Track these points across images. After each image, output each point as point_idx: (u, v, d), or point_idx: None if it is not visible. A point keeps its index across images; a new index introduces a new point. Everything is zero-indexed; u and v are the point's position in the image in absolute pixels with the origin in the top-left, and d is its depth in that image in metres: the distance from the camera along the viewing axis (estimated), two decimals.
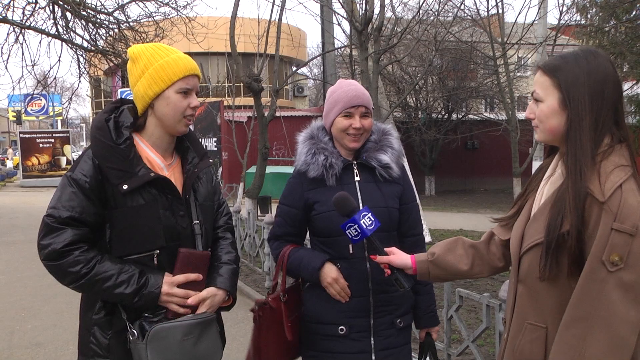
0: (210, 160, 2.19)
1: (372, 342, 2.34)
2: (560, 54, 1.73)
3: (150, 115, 2.03)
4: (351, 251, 2.30)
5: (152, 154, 2.03)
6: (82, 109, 71.67)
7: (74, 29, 11.81)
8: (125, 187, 1.89)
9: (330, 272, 2.30)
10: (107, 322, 1.95)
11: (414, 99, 19.95)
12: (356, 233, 2.10)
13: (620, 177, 1.53)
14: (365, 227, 2.08)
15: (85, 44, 12.13)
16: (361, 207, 2.19)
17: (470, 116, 20.84)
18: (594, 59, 1.62)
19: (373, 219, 2.10)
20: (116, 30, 12.18)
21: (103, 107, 2.12)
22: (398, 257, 2.08)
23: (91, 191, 1.90)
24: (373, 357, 2.33)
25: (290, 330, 2.37)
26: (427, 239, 9.80)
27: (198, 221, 2.08)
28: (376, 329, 2.35)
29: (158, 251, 1.95)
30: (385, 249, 2.11)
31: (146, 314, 1.93)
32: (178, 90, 1.97)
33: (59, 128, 37.33)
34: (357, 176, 2.39)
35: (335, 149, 2.42)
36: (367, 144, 2.44)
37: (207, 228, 2.15)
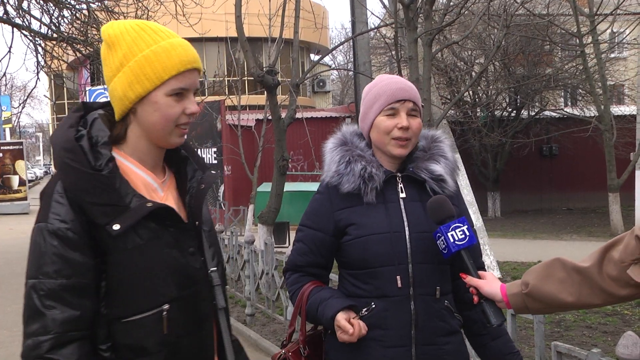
0: (213, 172, 2.17)
1: None
2: None
3: (133, 123, 1.96)
4: (399, 285, 2.35)
5: (140, 172, 1.98)
6: (38, 113, 72.80)
7: (29, 10, 11.99)
8: (116, 227, 1.83)
9: (341, 321, 2.31)
10: None
11: (470, 92, 19.97)
12: (444, 246, 2.25)
13: None
14: (453, 240, 2.23)
15: (44, 30, 12.25)
16: (455, 219, 2.28)
17: (547, 113, 20.77)
18: None
19: (468, 234, 2.24)
20: (85, 12, 12.37)
21: (66, 115, 2.02)
22: (488, 283, 2.19)
23: (79, 240, 1.84)
24: None
25: None
26: (496, 274, 9.77)
27: (215, 267, 2.07)
28: None
29: (168, 306, 1.92)
30: (479, 272, 2.23)
31: None
32: (170, 92, 1.91)
33: (8, 139, 37.97)
34: (402, 192, 2.44)
35: (375, 158, 2.47)
36: (414, 153, 2.49)
37: (224, 268, 2.15)
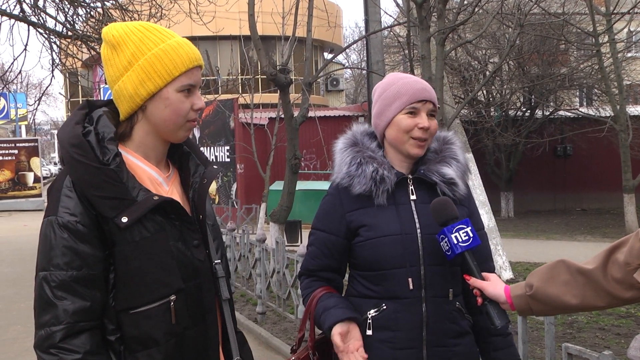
0: (215, 166, 2.22)
1: None
2: None
3: (141, 120, 2.02)
4: (411, 287, 2.35)
5: (146, 167, 2.04)
6: (53, 111, 73.29)
7: (44, 8, 12.06)
8: (124, 219, 1.89)
9: (335, 337, 2.33)
10: None
11: (484, 91, 19.92)
12: (447, 247, 2.26)
13: None
14: (457, 242, 2.23)
15: (59, 28, 12.32)
16: (458, 220, 2.29)
17: (561, 113, 20.67)
18: None
19: (471, 235, 2.25)
20: (100, 10, 12.44)
21: (71, 112, 2.09)
22: (492, 285, 2.21)
23: (88, 233, 1.90)
24: None
25: None
26: (508, 275, 9.74)
27: (219, 259, 2.13)
28: None
29: (174, 296, 1.97)
30: (483, 274, 2.25)
31: None
32: (180, 88, 1.97)
33: (24, 136, 38.23)
34: (412, 194, 2.44)
35: (386, 159, 2.47)
36: (425, 155, 2.49)
37: (227, 260, 2.21)
